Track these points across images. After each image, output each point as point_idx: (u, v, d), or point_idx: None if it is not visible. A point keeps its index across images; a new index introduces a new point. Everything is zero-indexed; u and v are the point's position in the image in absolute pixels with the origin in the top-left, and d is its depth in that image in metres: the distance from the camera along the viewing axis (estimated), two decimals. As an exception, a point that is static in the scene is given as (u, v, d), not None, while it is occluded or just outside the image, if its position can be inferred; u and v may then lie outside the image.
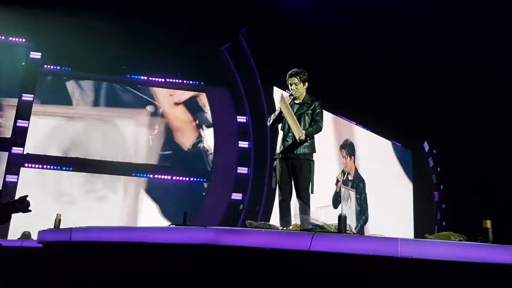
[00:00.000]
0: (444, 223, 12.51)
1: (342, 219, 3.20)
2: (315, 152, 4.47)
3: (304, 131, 4.30)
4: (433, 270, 2.89)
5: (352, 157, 11.13)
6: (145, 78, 9.36)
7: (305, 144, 4.37)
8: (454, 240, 3.67)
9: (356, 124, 11.57)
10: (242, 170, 9.20)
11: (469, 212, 10.27)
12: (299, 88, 4.60)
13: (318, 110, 4.52)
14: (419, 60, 9.86)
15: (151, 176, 8.96)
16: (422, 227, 11.56)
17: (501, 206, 10.82)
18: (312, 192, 4.31)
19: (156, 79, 9.41)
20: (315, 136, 4.48)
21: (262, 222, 3.76)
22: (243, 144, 9.32)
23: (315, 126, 4.42)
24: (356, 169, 11.16)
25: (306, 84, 4.65)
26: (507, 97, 9.99)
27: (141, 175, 8.94)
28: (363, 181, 11.29)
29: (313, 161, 4.42)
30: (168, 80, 9.45)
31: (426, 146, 13.38)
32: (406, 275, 2.90)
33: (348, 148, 11.07)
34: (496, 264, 2.88)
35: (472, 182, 11.69)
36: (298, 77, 4.59)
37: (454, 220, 11.66)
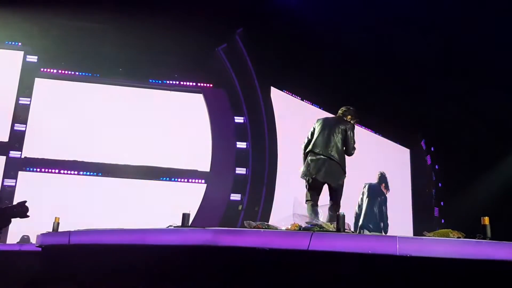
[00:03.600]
0: (443, 221, 12.52)
1: (340, 218, 3.20)
2: None
3: None
4: (432, 267, 2.89)
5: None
6: (142, 80, 9.35)
7: None
8: (453, 237, 3.68)
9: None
10: (241, 170, 9.21)
11: (468, 209, 10.29)
12: None
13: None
14: (417, 57, 9.87)
15: (150, 178, 8.97)
16: (421, 225, 11.58)
17: (499, 202, 10.85)
18: None
19: (153, 81, 9.40)
20: None
21: (261, 222, 3.76)
22: (241, 144, 9.32)
23: None
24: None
25: None
26: (505, 92, 10.03)
27: (141, 178, 8.95)
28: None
29: None
30: (165, 81, 9.45)
31: (423, 144, 13.40)
32: (405, 273, 2.91)
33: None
34: (494, 261, 2.89)
35: (470, 180, 11.71)
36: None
37: (453, 218, 11.68)
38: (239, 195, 9.06)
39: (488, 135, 10.76)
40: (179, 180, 9.09)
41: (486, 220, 3.40)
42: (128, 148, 8.96)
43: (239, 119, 9.42)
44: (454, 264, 2.89)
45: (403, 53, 9.74)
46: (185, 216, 3.57)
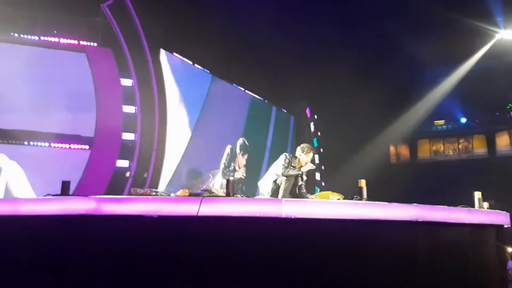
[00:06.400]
0: (323, 184, 13.45)
1: (230, 183, 3.23)
2: None
3: None
4: (315, 227, 3.08)
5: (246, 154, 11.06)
6: (16, 35, 8.36)
7: None
8: (333, 199, 3.95)
9: (242, 89, 11.70)
10: (128, 136, 8.81)
11: (346, 173, 11.16)
12: None
13: None
14: (313, 28, 10.17)
15: (26, 143, 8.20)
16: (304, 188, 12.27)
17: (375, 168, 11.94)
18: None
19: (29, 37, 8.45)
20: None
21: (149, 189, 3.65)
22: (129, 109, 8.88)
23: None
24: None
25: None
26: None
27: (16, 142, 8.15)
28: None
29: None
30: (42, 38, 8.55)
31: (308, 112, 14.13)
32: (290, 233, 3.05)
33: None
34: (370, 220, 3.17)
35: (349, 146, 12.69)
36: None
37: (333, 181, 12.59)
38: (127, 162, 8.71)
39: (368, 108, 11.61)
40: (60, 145, 8.43)
41: (362, 183, 3.70)
42: (2, 110, 8.03)
43: (126, 82, 8.94)
44: (334, 223, 3.11)
45: (298, 23, 9.96)
46: (65, 184, 3.33)
